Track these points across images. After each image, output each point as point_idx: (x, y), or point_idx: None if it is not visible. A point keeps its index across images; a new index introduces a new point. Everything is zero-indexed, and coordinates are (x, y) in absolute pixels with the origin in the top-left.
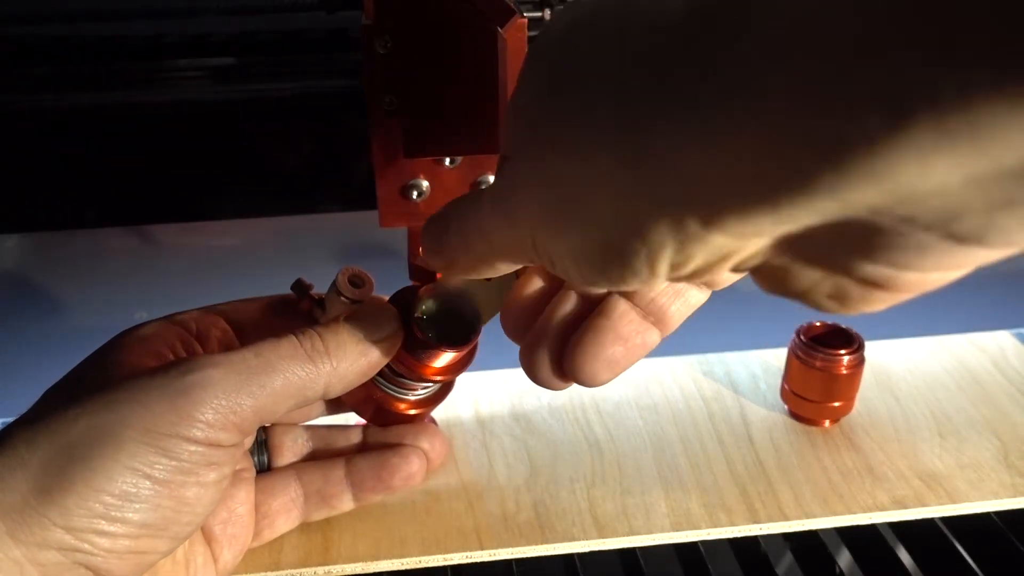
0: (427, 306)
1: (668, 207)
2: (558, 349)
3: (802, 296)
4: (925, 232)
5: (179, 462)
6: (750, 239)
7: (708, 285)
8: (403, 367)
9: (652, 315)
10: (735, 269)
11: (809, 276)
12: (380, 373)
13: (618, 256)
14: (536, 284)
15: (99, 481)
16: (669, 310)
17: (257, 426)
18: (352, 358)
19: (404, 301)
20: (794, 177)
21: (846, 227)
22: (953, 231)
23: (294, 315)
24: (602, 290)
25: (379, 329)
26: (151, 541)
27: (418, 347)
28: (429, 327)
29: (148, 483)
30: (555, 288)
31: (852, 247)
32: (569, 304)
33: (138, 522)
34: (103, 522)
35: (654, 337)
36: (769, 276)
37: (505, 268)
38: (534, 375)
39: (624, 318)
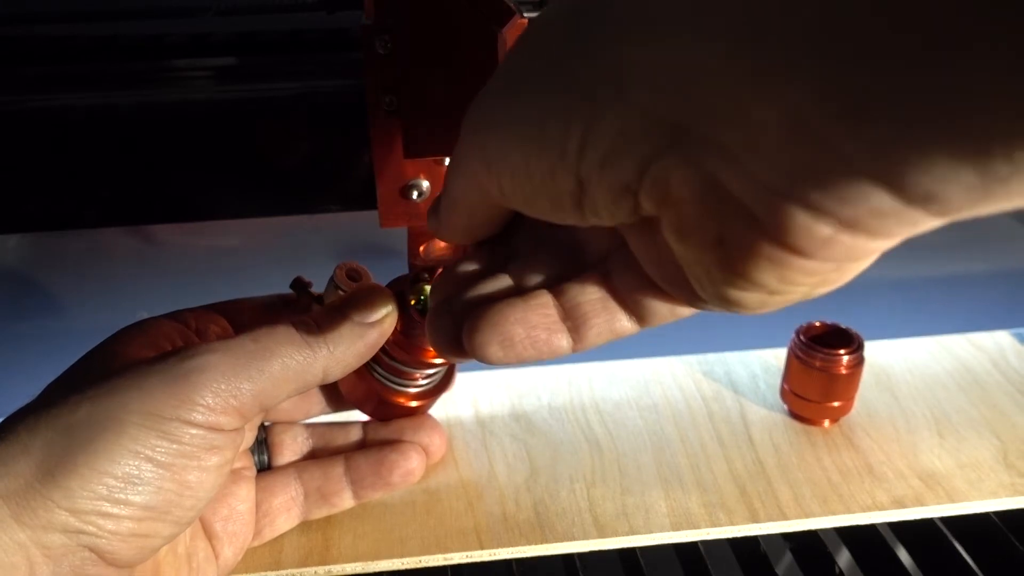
0: (423, 290)
1: (590, 78)
2: (463, 317)
3: (691, 244)
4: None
5: (180, 445)
6: (652, 128)
7: (638, 318)
8: (403, 353)
9: (572, 320)
10: (640, 183)
11: (700, 214)
12: (381, 365)
13: (545, 129)
14: (471, 265)
15: (102, 463)
16: (590, 321)
17: (258, 411)
18: (349, 341)
19: (400, 288)
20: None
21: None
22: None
23: (293, 313)
24: (541, 214)
25: (374, 311)
26: (154, 524)
27: (416, 331)
28: (426, 310)
29: (150, 466)
30: (489, 271)
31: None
32: (498, 284)
33: (141, 504)
34: (107, 504)
35: (562, 342)
36: (671, 219)
37: (474, 224)
38: (432, 336)
39: (541, 308)
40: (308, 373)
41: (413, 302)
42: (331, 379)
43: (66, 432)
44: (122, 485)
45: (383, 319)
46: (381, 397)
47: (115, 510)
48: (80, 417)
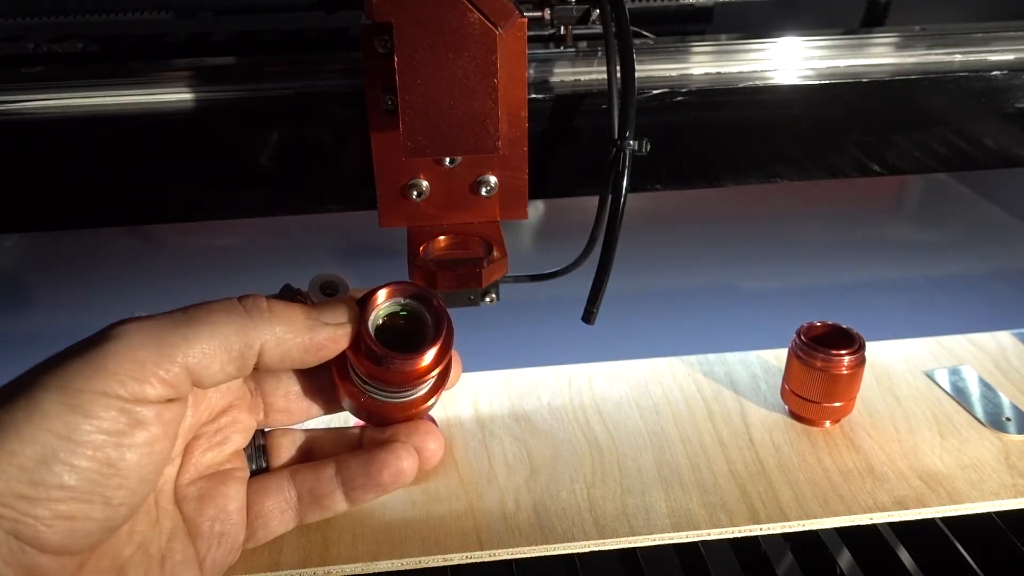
0: (384, 311)
1: None
2: None
3: None
4: None
5: (98, 420)
6: None
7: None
8: (369, 375)
9: None
10: None
11: None
12: (364, 381)
13: None
14: None
15: (11, 443)
16: None
17: (187, 380)
18: (296, 329)
19: (366, 302)
20: None
21: None
22: None
23: None
24: None
25: (333, 315)
26: (80, 506)
27: (371, 354)
28: (385, 334)
29: (64, 443)
30: None
31: None
32: None
33: (57, 484)
34: (22, 485)
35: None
36: None
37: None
38: None
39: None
40: (242, 343)
41: (371, 323)
42: (269, 359)
43: None
44: (33, 465)
45: (337, 326)
46: (369, 408)
47: (31, 491)
48: (2, 396)
